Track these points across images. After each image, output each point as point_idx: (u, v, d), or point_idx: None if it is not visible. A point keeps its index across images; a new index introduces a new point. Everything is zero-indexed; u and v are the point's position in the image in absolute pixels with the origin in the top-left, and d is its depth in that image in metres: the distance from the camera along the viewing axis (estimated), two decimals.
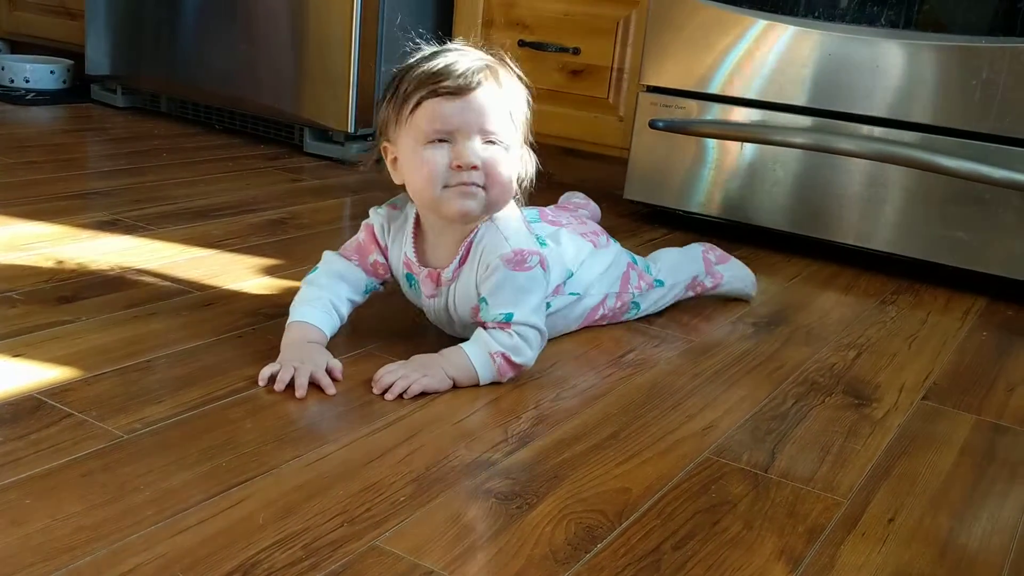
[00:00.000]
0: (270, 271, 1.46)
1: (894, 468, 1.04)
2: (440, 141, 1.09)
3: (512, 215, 1.18)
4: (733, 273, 1.52)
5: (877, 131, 1.73)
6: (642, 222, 1.99)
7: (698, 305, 1.50)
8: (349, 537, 0.81)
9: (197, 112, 2.56)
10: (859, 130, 1.74)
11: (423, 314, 1.26)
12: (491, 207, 1.13)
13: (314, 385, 1.07)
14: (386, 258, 1.22)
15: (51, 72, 2.79)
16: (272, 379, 1.07)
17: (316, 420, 1.01)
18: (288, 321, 1.16)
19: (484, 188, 1.10)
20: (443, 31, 2.38)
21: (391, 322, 1.29)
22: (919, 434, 1.13)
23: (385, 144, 1.16)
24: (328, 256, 1.23)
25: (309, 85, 2.27)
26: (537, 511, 0.88)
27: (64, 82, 2.82)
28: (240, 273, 1.44)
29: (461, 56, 1.11)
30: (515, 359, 1.12)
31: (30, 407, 0.97)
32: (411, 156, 1.11)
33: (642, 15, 2.02)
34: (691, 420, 1.10)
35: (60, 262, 1.41)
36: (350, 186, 2.07)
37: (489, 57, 1.13)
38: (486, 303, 1.13)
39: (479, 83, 1.09)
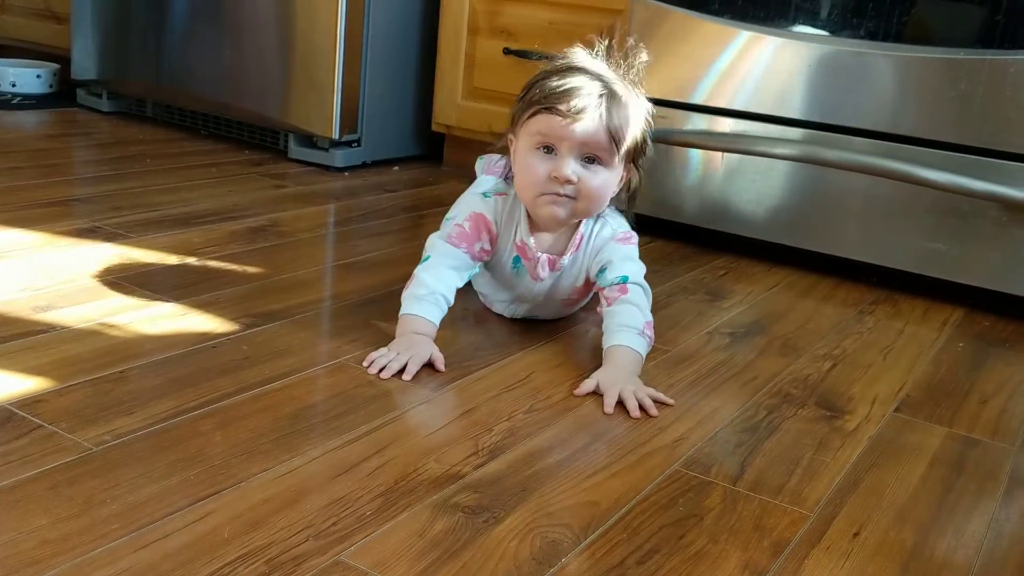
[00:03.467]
0: (248, 280, 1.46)
1: (862, 481, 1.04)
2: (547, 150, 1.22)
3: (609, 211, 1.34)
4: None
5: (858, 142, 1.74)
6: None
7: (676, 314, 1.51)
8: (314, 551, 0.81)
9: (183, 117, 2.56)
10: (840, 141, 1.75)
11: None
12: (578, 215, 1.28)
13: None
14: (492, 244, 1.33)
15: (37, 76, 2.79)
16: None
17: (286, 433, 1.01)
18: (401, 312, 1.26)
19: (575, 199, 1.23)
20: (429, 39, 2.39)
21: (365, 332, 1.29)
22: (889, 447, 1.13)
23: (511, 136, 1.30)
24: (438, 245, 1.31)
25: (294, 91, 2.28)
26: (503, 525, 0.88)
27: (50, 86, 2.82)
28: (217, 282, 1.44)
29: (588, 81, 1.22)
30: (649, 319, 1.28)
31: (0, 419, 0.97)
32: (522, 156, 1.25)
33: (625, 25, 2.02)
34: (663, 432, 1.11)
35: (36, 270, 1.41)
36: (334, 192, 2.07)
37: (614, 77, 1.25)
38: (604, 272, 1.30)
39: (589, 112, 1.19)
